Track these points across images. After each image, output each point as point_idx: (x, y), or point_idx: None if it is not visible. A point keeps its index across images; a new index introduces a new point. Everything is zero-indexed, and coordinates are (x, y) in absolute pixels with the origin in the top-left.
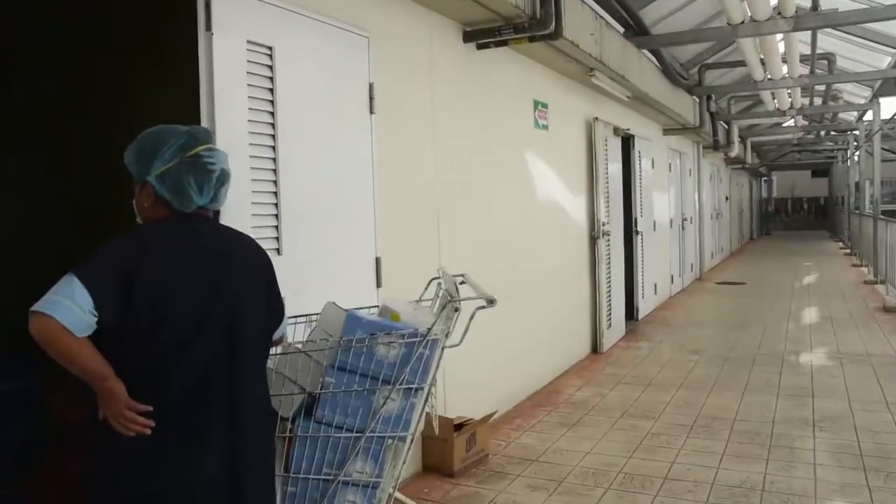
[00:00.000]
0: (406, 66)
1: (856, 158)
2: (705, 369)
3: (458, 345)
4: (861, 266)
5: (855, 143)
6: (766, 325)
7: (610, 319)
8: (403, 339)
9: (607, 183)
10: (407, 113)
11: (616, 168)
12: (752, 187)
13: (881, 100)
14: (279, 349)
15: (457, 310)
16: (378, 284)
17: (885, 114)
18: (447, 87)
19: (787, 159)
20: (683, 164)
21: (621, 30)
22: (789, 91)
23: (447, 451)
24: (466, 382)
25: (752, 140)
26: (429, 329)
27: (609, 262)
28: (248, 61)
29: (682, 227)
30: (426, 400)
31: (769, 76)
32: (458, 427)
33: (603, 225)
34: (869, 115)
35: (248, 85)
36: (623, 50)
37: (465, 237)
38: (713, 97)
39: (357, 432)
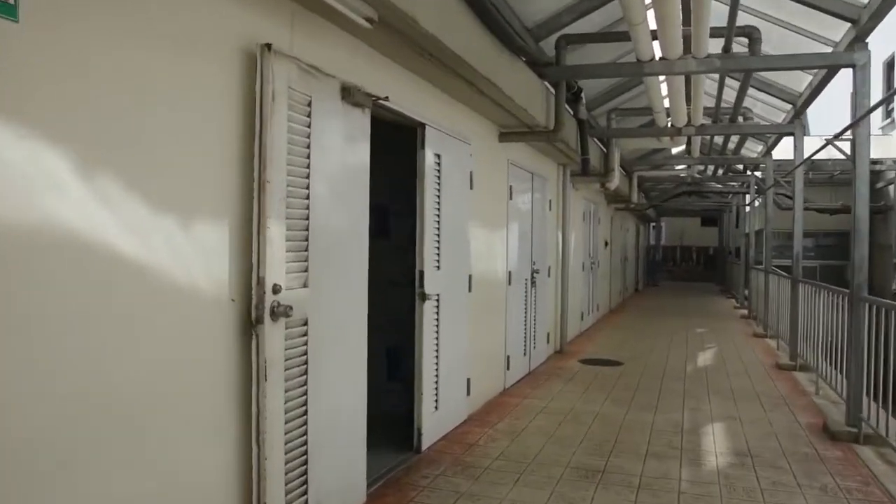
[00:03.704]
0: None
1: (757, 203)
2: None
3: None
4: (766, 337)
5: (756, 187)
6: (642, 476)
7: (305, 496)
8: None
9: (307, 198)
10: None
11: (354, 169)
12: (639, 233)
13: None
14: None
15: None
16: None
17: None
18: None
19: (678, 203)
20: (540, 192)
21: None
22: (689, 107)
23: None
24: None
25: (640, 174)
26: None
27: (307, 369)
28: None
29: (533, 283)
30: None
31: (661, 55)
32: None
33: (276, 292)
34: (782, 150)
35: None
36: None
37: None
38: (582, 97)
39: None
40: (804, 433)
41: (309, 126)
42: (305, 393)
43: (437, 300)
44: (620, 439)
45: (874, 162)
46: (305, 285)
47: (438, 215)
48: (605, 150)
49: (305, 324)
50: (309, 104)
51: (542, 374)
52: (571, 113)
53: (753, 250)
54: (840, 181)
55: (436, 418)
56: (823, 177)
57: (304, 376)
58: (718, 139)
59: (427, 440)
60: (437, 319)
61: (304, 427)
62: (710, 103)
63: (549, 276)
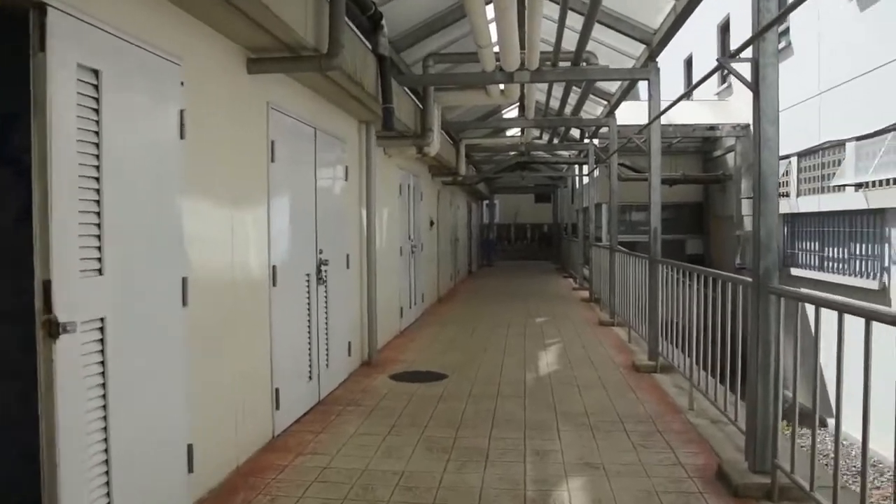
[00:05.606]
0: None
1: (596, 174)
2: None
3: None
4: (614, 325)
5: (595, 157)
6: None
7: None
8: None
9: None
10: None
11: None
12: (471, 211)
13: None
14: None
15: None
16: None
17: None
18: None
19: (511, 179)
20: (330, 155)
21: None
22: (523, 52)
23: None
24: None
25: (469, 143)
26: None
27: None
28: None
29: (320, 279)
30: None
31: None
32: None
33: None
34: (627, 114)
35: None
36: None
37: None
38: (383, 25)
39: None
40: (696, 487)
41: None
42: None
43: (101, 330)
44: None
45: (710, 128)
46: None
47: (98, 177)
48: (421, 106)
49: None
50: None
51: (338, 403)
52: (369, 47)
53: (593, 226)
54: (679, 150)
55: None
56: (662, 144)
57: None
58: (554, 103)
59: None
60: (104, 364)
61: None
62: (547, 48)
63: (347, 266)
